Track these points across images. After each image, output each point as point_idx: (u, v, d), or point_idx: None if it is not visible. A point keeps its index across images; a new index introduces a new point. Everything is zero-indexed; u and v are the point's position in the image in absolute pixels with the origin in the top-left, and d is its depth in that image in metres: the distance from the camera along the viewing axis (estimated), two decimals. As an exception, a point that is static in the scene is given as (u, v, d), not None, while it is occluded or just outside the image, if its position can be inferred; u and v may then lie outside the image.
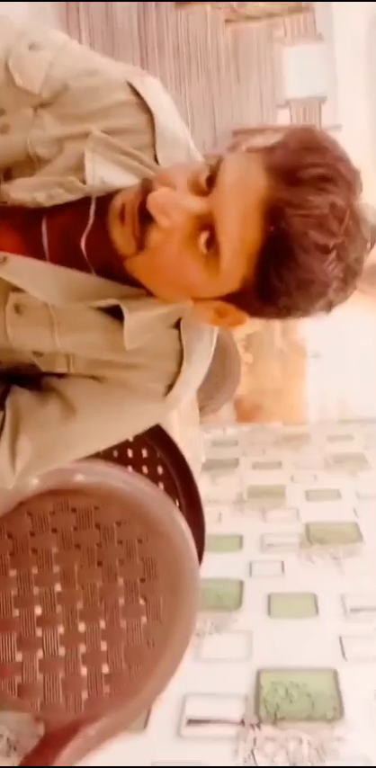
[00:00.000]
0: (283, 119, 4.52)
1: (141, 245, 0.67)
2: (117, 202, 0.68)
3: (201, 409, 2.91)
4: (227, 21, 4.15)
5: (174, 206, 0.65)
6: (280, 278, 0.64)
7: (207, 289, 0.69)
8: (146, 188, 0.67)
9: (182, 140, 0.77)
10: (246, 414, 3.98)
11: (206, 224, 0.65)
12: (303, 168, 0.63)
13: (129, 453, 1.43)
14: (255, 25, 4.20)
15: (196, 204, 0.65)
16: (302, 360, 4.21)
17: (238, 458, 3.29)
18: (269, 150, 0.66)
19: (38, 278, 0.72)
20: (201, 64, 3.90)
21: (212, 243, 0.65)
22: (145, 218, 0.66)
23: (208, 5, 3.86)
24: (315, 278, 0.64)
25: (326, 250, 0.63)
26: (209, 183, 0.66)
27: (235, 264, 0.66)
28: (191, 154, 0.78)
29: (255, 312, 0.71)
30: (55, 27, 2.42)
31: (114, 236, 0.68)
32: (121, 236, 0.68)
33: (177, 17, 3.67)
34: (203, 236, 0.66)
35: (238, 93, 4.28)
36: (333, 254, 0.63)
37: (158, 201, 0.65)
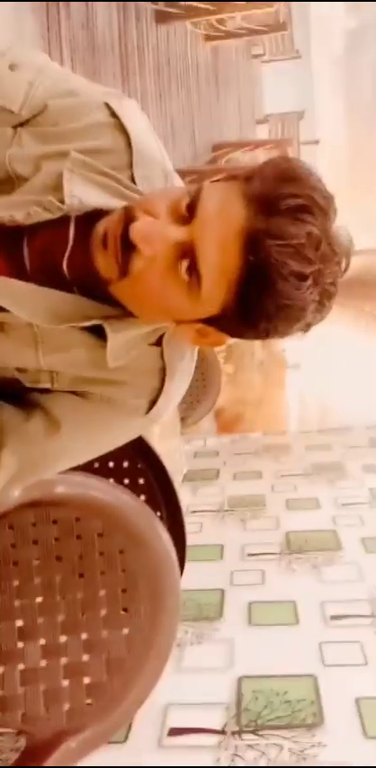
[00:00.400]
0: (262, 133, 4.59)
1: (124, 271, 0.69)
2: (99, 229, 0.70)
3: (183, 420, 2.93)
4: (206, 37, 4.22)
5: (157, 235, 0.67)
6: (259, 304, 0.67)
7: (188, 313, 0.72)
8: (128, 216, 0.69)
9: (158, 160, 0.79)
10: (226, 424, 4.01)
11: (187, 251, 0.68)
12: (281, 199, 0.65)
13: (111, 464, 1.44)
14: (235, 42, 4.28)
15: (177, 233, 0.68)
16: (282, 370, 4.25)
17: (219, 468, 3.30)
18: (247, 179, 0.69)
19: (22, 298, 0.74)
20: (181, 79, 3.95)
21: (193, 270, 0.68)
22: (127, 245, 0.68)
23: (188, 23, 3.92)
24: (293, 303, 0.67)
25: (303, 277, 0.66)
26: (189, 211, 0.68)
27: (215, 291, 0.68)
28: (167, 174, 0.80)
29: (235, 333, 0.74)
30: (36, 41, 2.44)
31: (97, 262, 0.70)
32: (104, 262, 0.70)
33: (158, 33, 3.72)
34: (184, 264, 0.68)
35: (218, 108, 4.35)
36: (309, 281, 0.66)
37: (141, 231, 0.67)
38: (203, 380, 3.11)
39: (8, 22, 2.27)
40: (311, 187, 0.67)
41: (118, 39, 3.25)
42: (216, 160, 4.42)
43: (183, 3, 3.60)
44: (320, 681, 1.58)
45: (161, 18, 3.70)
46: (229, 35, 4.29)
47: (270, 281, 0.65)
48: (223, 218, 0.66)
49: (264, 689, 1.55)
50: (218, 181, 0.72)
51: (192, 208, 0.68)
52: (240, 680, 1.58)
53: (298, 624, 1.85)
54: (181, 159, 3.60)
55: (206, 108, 4.27)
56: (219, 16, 4.05)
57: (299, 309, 0.68)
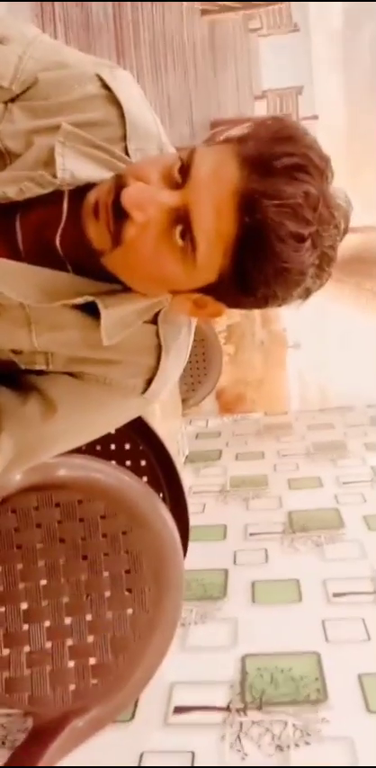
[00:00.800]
0: (260, 110, 4.54)
1: (117, 240, 0.67)
2: (90, 198, 0.68)
3: (184, 401, 2.93)
4: (203, 12, 4.14)
5: (149, 200, 0.65)
6: (257, 268, 0.65)
7: (184, 281, 0.70)
8: (119, 183, 0.67)
9: (153, 132, 0.77)
10: (228, 405, 4.01)
11: (181, 217, 0.66)
12: (276, 158, 0.64)
13: (112, 447, 1.44)
14: (232, 16, 4.21)
15: (170, 198, 0.66)
16: (283, 350, 4.25)
17: (221, 449, 3.31)
18: (241, 141, 0.67)
19: (12, 278, 0.72)
20: (177, 56, 3.89)
21: (188, 235, 0.66)
22: (119, 213, 0.66)
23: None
24: (291, 266, 0.65)
25: (301, 238, 0.64)
26: (182, 176, 0.66)
27: (211, 256, 0.66)
28: (162, 146, 0.78)
29: (234, 303, 0.72)
30: (30, 20, 2.40)
31: (89, 233, 0.68)
32: (96, 232, 0.68)
33: (153, 8, 3.65)
34: (178, 229, 0.66)
35: (215, 84, 4.29)
36: (308, 242, 0.64)
37: (132, 197, 0.65)
38: (204, 361, 3.11)
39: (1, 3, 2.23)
40: (307, 146, 0.65)
41: (112, 15, 3.19)
42: (214, 137, 4.37)
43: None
44: (323, 657, 1.59)
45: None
46: (226, 9, 4.21)
47: (267, 243, 0.63)
48: (217, 181, 0.64)
49: (268, 666, 1.56)
50: (210, 144, 0.71)
51: (185, 171, 0.66)
52: (244, 658, 1.59)
53: (301, 602, 1.86)
54: (178, 137, 3.56)
55: (203, 84, 4.21)
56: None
57: (298, 273, 0.66)
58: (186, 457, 2.93)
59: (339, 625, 1.74)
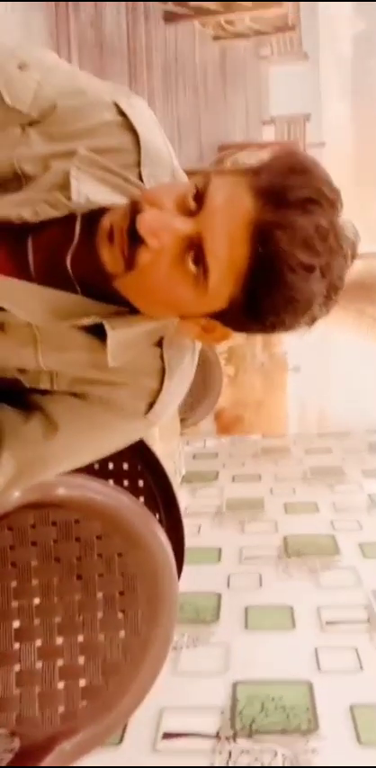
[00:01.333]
0: (268, 135, 4.58)
1: (130, 265, 0.68)
2: (105, 223, 0.70)
3: (182, 421, 2.92)
4: (215, 37, 4.21)
5: (164, 227, 0.67)
6: (268, 297, 0.66)
7: (195, 307, 0.71)
8: (134, 209, 0.68)
9: (166, 159, 0.79)
10: (226, 426, 4.01)
11: (194, 244, 0.67)
12: (289, 190, 0.65)
13: (110, 466, 1.43)
14: (243, 43, 4.27)
15: (185, 225, 0.67)
16: (283, 373, 4.25)
17: (218, 470, 3.30)
18: (255, 172, 0.68)
19: (21, 297, 0.73)
20: (188, 79, 3.94)
21: (201, 262, 0.67)
22: (134, 238, 0.67)
23: (196, 22, 3.91)
24: (301, 296, 0.66)
25: (311, 269, 0.65)
26: (196, 203, 0.67)
27: (223, 284, 0.67)
28: (175, 172, 0.79)
29: (241, 328, 0.73)
30: (44, 40, 2.44)
31: (103, 256, 0.69)
32: (110, 256, 0.69)
33: (166, 33, 3.70)
34: (191, 256, 0.67)
35: (224, 108, 4.34)
36: (317, 273, 0.66)
37: (148, 223, 0.66)
38: (204, 381, 3.11)
39: (18, 19, 2.26)
40: (319, 179, 0.67)
41: (126, 37, 3.24)
42: (222, 160, 4.41)
43: (191, 3, 3.60)
44: (315, 687, 1.58)
45: (169, 18, 3.69)
46: (238, 36, 4.27)
47: (279, 273, 0.65)
48: (231, 210, 0.66)
49: (260, 694, 1.55)
50: (224, 173, 0.72)
51: (199, 200, 0.67)
52: (235, 684, 1.58)
53: (294, 629, 1.85)
54: (187, 159, 3.60)
55: (213, 108, 4.26)
56: (227, 17, 4.04)
57: (307, 302, 0.67)
58: (183, 477, 2.93)
59: (332, 654, 1.73)
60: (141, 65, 3.41)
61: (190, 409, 3.05)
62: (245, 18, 4.12)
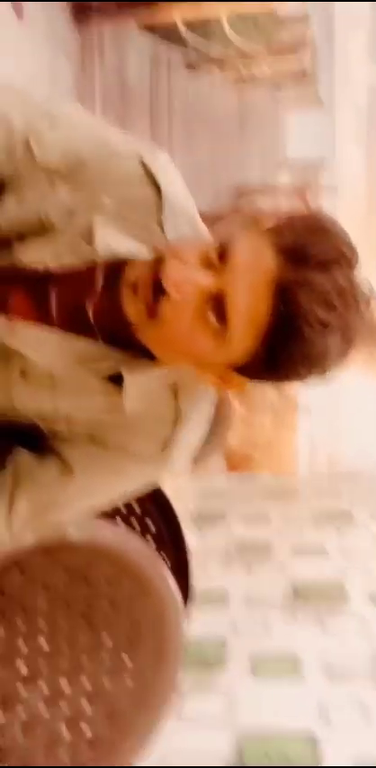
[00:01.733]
0: (283, 178, 4.65)
1: (153, 315, 0.70)
2: (130, 274, 0.72)
3: (192, 459, 2.92)
4: (234, 85, 4.32)
5: (187, 281, 0.69)
6: (286, 352, 0.68)
7: (214, 357, 0.73)
8: (159, 262, 0.70)
9: (187, 212, 0.81)
10: (235, 464, 3.99)
11: (217, 298, 0.69)
12: (310, 250, 0.67)
13: (121, 507, 1.44)
14: (261, 90, 4.37)
15: (208, 280, 0.69)
16: (293, 413, 4.24)
17: (226, 509, 3.29)
18: (276, 230, 0.70)
19: (42, 345, 0.75)
20: (207, 124, 4.03)
21: (221, 316, 0.69)
22: (157, 290, 0.69)
23: (217, 71, 4.01)
24: (317, 351, 0.68)
25: (329, 326, 0.67)
26: (219, 259, 0.70)
27: (242, 337, 0.69)
28: (195, 225, 0.82)
29: (257, 378, 0.75)
30: (70, 85, 2.51)
31: (126, 307, 0.71)
32: (134, 307, 0.71)
33: (187, 80, 3.81)
34: (212, 310, 0.69)
35: (241, 152, 4.42)
36: (335, 329, 0.68)
37: (172, 276, 0.69)
38: (214, 419, 3.11)
39: (44, 65, 2.34)
40: (338, 239, 0.69)
41: (148, 85, 3.33)
42: (238, 203, 4.49)
43: (212, 52, 3.71)
44: (320, 740, 1.56)
45: (191, 66, 3.81)
46: (256, 83, 4.38)
47: (298, 330, 0.67)
48: (254, 268, 0.68)
49: (264, 745, 1.53)
50: (246, 229, 0.74)
51: (222, 255, 0.69)
52: (240, 734, 1.56)
53: (300, 678, 1.83)
54: (204, 201, 3.65)
55: (230, 153, 4.35)
56: (246, 65, 4.15)
57: (323, 356, 0.69)
58: (191, 515, 2.92)
59: (338, 707, 1.70)
60: (162, 110, 3.49)
61: (199, 446, 3.05)
62: (263, 66, 4.23)
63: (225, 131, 4.35)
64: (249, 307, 0.68)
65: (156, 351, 0.75)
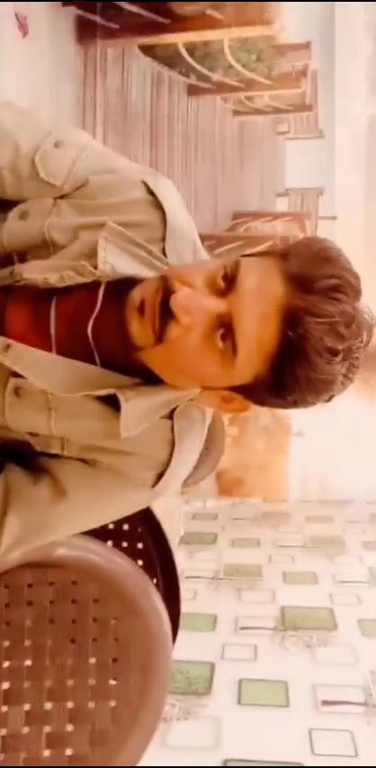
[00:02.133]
0: (282, 206, 4.71)
1: (160, 338, 0.71)
2: (136, 296, 0.72)
3: (184, 480, 2.90)
4: (235, 112, 4.39)
5: (196, 306, 0.70)
6: (293, 377, 0.69)
7: (220, 380, 0.74)
8: (165, 285, 0.70)
9: (189, 236, 0.82)
10: (227, 487, 3.98)
11: (225, 323, 0.70)
12: (318, 278, 0.69)
13: (110, 526, 1.42)
14: (261, 119, 4.44)
15: (216, 305, 0.70)
16: (286, 437, 4.24)
17: (217, 533, 3.26)
18: (284, 257, 0.71)
19: (39, 366, 0.75)
20: (207, 149, 4.09)
21: (229, 340, 0.70)
22: (165, 313, 0.70)
23: (218, 97, 4.09)
24: (324, 377, 0.70)
25: (336, 353, 0.69)
26: (228, 284, 0.70)
27: (250, 361, 0.70)
28: (196, 249, 0.82)
29: (261, 402, 0.76)
30: (72, 105, 2.54)
31: (132, 328, 0.72)
32: (140, 329, 0.71)
33: (188, 105, 3.87)
34: (220, 334, 0.70)
35: (241, 178, 4.49)
36: (341, 356, 0.69)
37: (181, 301, 0.69)
38: (207, 441, 3.10)
39: (47, 82, 2.37)
40: (344, 268, 0.71)
41: (150, 107, 3.38)
42: (235, 228, 4.53)
43: (214, 78, 3.77)
44: (308, 771, 1.53)
45: (192, 91, 3.88)
46: (257, 112, 4.45)
47: (306, 355, 0.68)
48: (263, 294, 0.69)
49: (250, 774, 1.50)
50: (252, 255, 0.75)
51: (230, 281, 0.70)
52: (226, 762, 1.53)
53: (288, 707, 1.80)
54: (201, 224, 3.69)
55: (229, 178, 4.40)
56: (248, 93, 4.23)
57: (329, 383, 0.70)
58: (181, 537, 2.89)
59: (326, 736, 1.68)
60: (163, 133, 3.54)
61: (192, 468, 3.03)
62: (264, 96, 4.31)
63: (225, 157, 4.41)
64: (257, 332, 0.69)
65: (160, 373, 0.75)
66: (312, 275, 0.68)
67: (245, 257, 0.73)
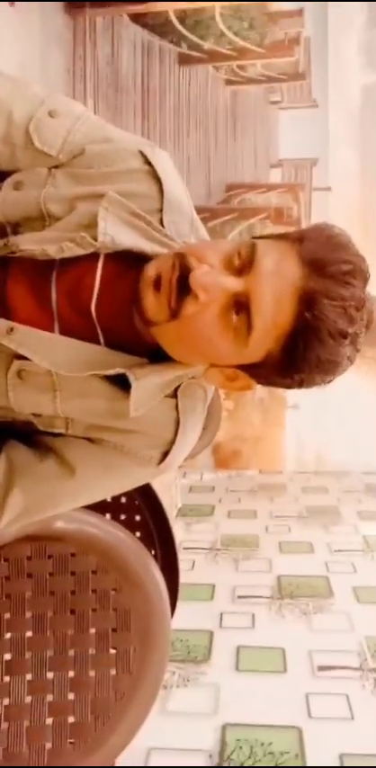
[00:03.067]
0: (275, 177, 4.67)
1: (175, 314, 0.71)
2: (150, 271, 0.72)
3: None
4: (227, 81, 4.32)
5: (215, 284, 0.70)
6: (304, 356, 0.71)
7: (231, 358, 0.74)
8: (182, 261, 0.71)
9: (186, 209, 0.81)
10: (223, 460, 4.00)
11: (241, 302, 0.71)
12: (332, 263, 0.70)
13: (108, 499, 1.43)
14: (254, 88, 4.38)
15: (235, 284, 0.71)
16: (282, 410, 4.26)
17: (214, 505, 3.29)
18: (300, 241, 0.72)
19: (44, 347, 0.75)
20: (199, 120, 4.03)
21: (245, 318, 0.71)
22: (183, 290, 0.70)
23: (210, 66, 4.02)
24: (334, 358, 0.71)
25: (346, 335, 0.71)
26: (245, 264, 0.71)
27: (263, 340, 0.71)
28: (193, 221, 0.82)
29: (268, 382, 0.77)
30: (61, 77, 2.50)
31: (146, 303, 0.72)
32: (154, 304, 0.71)
33: (180, 75, 3.80)
34: (237, 313, 0.71)
35: (234, 150, 4.44)
36: (349, 338, 0.71)
37: (200, 279, 0.70)
38: (206, 416, 3.11)
39: (36, 53, 2.33)
40: (355, 254, 0.72)
41: (141, 77, 3.32)
42: (229, 200, 4.49)
43: (206, 47, 3.70)
44: (305, 733, 1.56)
45: (184, 60, 3.80)
46: (249, 81, 4.39)
47: (319, 336, 0.69)
48: (280, 275, 0.70)
49: (249, 738, 1.53)
50: (266, 238, 0.75)
51: (247, 261, 0.71)
52: (224, 727, 1.56)
53: (285, 672, 1.83)
54: (195, 197, 3.64)
55: (222, 149, 4.36)
56: (240, 62, 4.16)
57: (336, 364, 0.72)
58: (179, 510, 2.92)
59: (323, 700, 1.71)
60: (154, 104, 3.48)
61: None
62: (257, 64, 4.24)
63: (217, 128, 4.36)
64: (274, 311, 0.70)
65: (170, 349, 0.75)
66: (327, 260, 0.70)
67: (259, 239, 0.74)
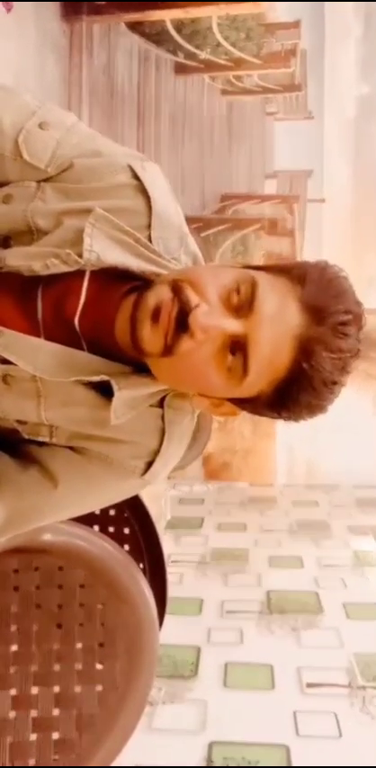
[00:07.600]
0: (270, 188, 4.69)
1: (170, 351, 0.70)
2: (150, 302, 0.70)
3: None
4: (223, 91, 4.33)
5: (215, 327, 0.70)
6: (296, 400, 0.71)
7: (223, 393, 0.74)
8: (180, 296, 0.70)
9: (175, 223, 0.80)
10: (214, 471, 3.98)
11: (239, 344, 0.70)
12: (332, 312, 0.70)
13: (97, 511, 1.41)
14: (250, 99, 4.39)
15: (234, 326, 0.70)
16: (272, 422, 4.25)
17: (204, 517, 3.27)
18: (300, 283, 0.72)
19: (30, 352, 0.73)
20: (195, 130, 4.04)
21: (240, 359, 0.70)
22: (181, 326, 0.69)
23: (206, 76, 4.03)
24: (323, 404, 0.72)
25: (340, 385, 0.72)
26: (244, 304, 0.70)
27: (257, 382, 0.71)
28: (182, 237, 0.81)
29: (255, 412, 0.77)
30: (57, 85, 2.49)
31: (142, 333, 0.70)
32: (151, 336, 0.70)
33: (175, 84, 3.81)
34: (232, 353, 0.71)
35: (229, 160, 4.45)
36: (340, 386, 0.72)
37: (200, 321, 0.69)
38: (196, 427, 3.09)
39: (31, 60, 2.32)
40: (355, 302, 0.73)
41: (137, 86, 3.32)
42: (223, 210, 4.49)
43: (202, 57, 3.71)
44: (293, 752, 1.55)
45: (180, 69, 3.81)
46: (245, 92, 4.41)
47: (313, 385, 0.70)
48: (279, 321, 0.70)
49: (235, 756, 1.51)
50: (265, 270, 0.75)
51: (247, 302, 0.70)
52: (211, 745, 1.54)
53: (273, 689, 1.81)
54: (189, 207, 3.66)
55: (217, 159, 4.36)
56: (236, 73, 4.17)
57: (325, 408, 0.73)
58: (168, 522, 2.90)
59: (311, 718, 1.69)
60: (150, 113, 3.48)
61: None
62: (253, 75, 4.25)
63: (213, 139, 4.37)
64: (271, 356, 0.70)
65: (161, 378, 0.74)
66: (327, 308, 0.70)
67: (258, 271, 0.74)
